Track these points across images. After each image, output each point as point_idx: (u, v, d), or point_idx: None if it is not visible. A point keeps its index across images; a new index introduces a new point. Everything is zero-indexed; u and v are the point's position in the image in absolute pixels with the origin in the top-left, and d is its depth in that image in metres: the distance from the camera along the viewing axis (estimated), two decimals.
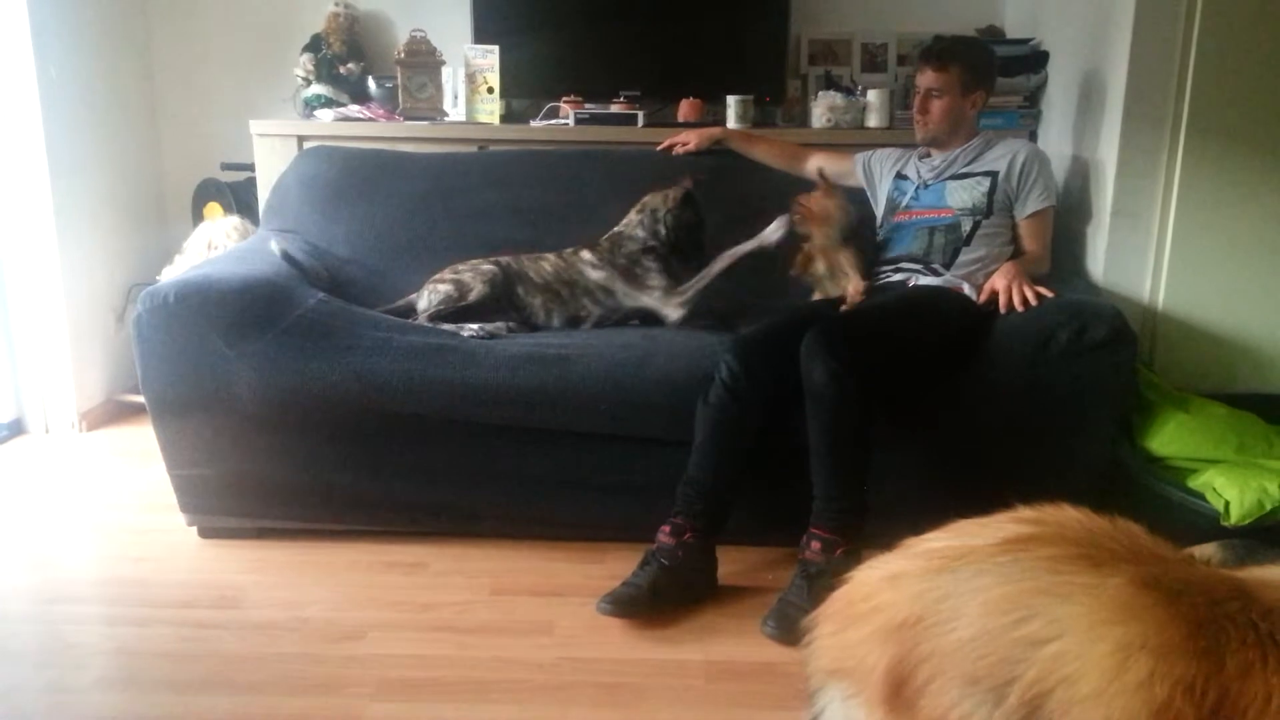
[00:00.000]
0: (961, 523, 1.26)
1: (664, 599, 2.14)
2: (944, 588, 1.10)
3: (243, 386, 2.33)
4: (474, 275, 2.65)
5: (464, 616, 2.17)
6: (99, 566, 2.42)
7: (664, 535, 2.20)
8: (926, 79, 2.63)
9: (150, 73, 3.56)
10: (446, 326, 2.54)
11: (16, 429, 3.25)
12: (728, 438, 2.23)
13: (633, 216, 2.78)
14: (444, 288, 2.64)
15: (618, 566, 2.24)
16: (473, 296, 2.61)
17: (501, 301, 2.65)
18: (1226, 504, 2.11)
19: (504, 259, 2.73)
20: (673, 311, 2.66)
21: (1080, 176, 2.80)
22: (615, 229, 2.79)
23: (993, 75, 2.70)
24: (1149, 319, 2.61)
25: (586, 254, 2.74)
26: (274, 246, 2.66)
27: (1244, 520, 2.07)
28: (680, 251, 2.74)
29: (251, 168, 3.27)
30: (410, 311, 2.67)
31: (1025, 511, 1.25)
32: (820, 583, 2.10)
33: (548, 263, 2.74)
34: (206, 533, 2.50)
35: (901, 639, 1.08)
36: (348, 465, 2.42)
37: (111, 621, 2.18)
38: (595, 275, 2.72)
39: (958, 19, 3.32)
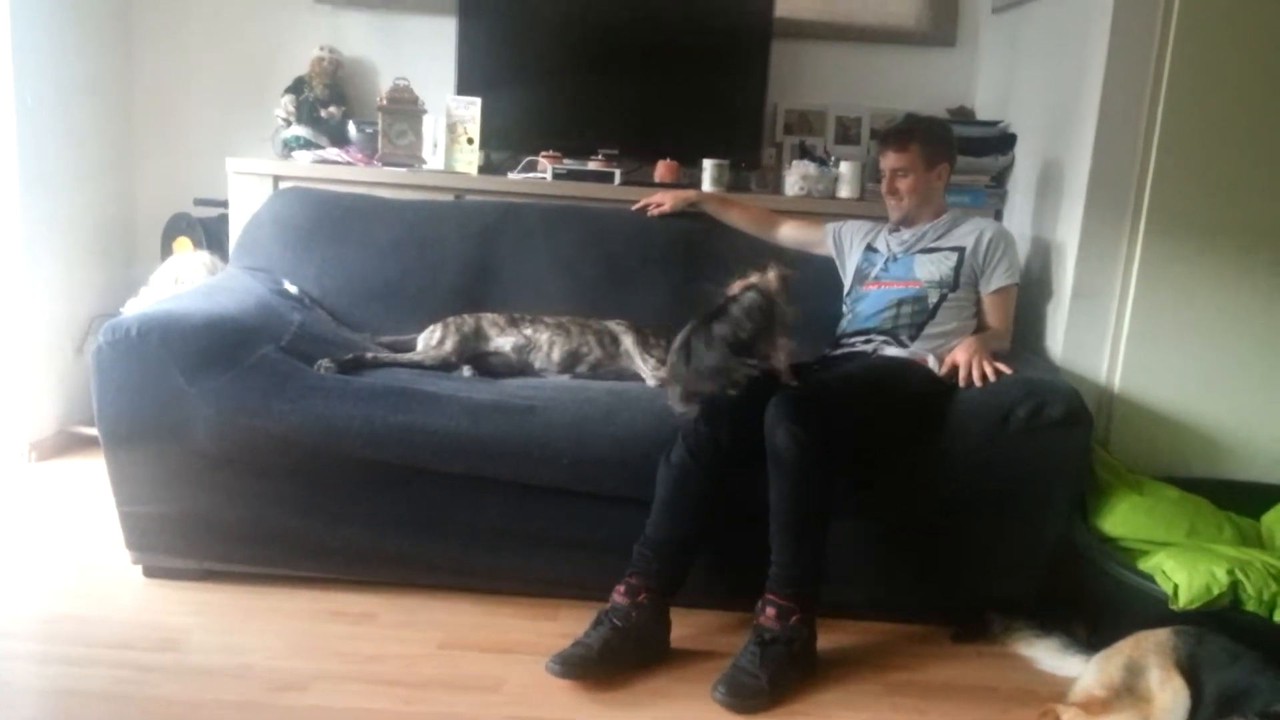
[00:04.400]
0: None
1: (615, 660, 2.11)
2: None
3: (199, 424, 2.30)
4: (451, 330, 2.75)
5: (411, 670, 2.13)
6: (38, 602, 2.36)
7: (618, 595, 2.18)
8: (889, 161, 2.69)
9: (130, 104, 3.56)
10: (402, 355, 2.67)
11: None
12: (687, 498, 2.23)
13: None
14: (437, 333, 2.75)
15: (570, 625, 2.22)
16: (448, 346, 2.70)
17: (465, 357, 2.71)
18: (1176, 587, 2.13)
19: (517, 312, 2.85)
20: (652, 379, 2.72)
21: (1042, 257, 2.87)
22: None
23: (952, 147, 2.76)
24: (1105, 400, 2.66)
25: (616, 319, 2.86)
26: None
27: (1192, 604, 2.09)
28: None
29: (225, 204, 3.26)
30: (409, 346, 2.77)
31: None
32: (773, 650, 2.10)
33: (566, 315, 2.84)
34: (152, 572, 2.45)
35: None
36: (301, 510, 2.38)
37: (47, 660, 2.11)
38: (614, 325, 2.82)
39: (929, 98, 3.41)
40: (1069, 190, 2.73)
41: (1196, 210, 2.59)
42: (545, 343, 2.77)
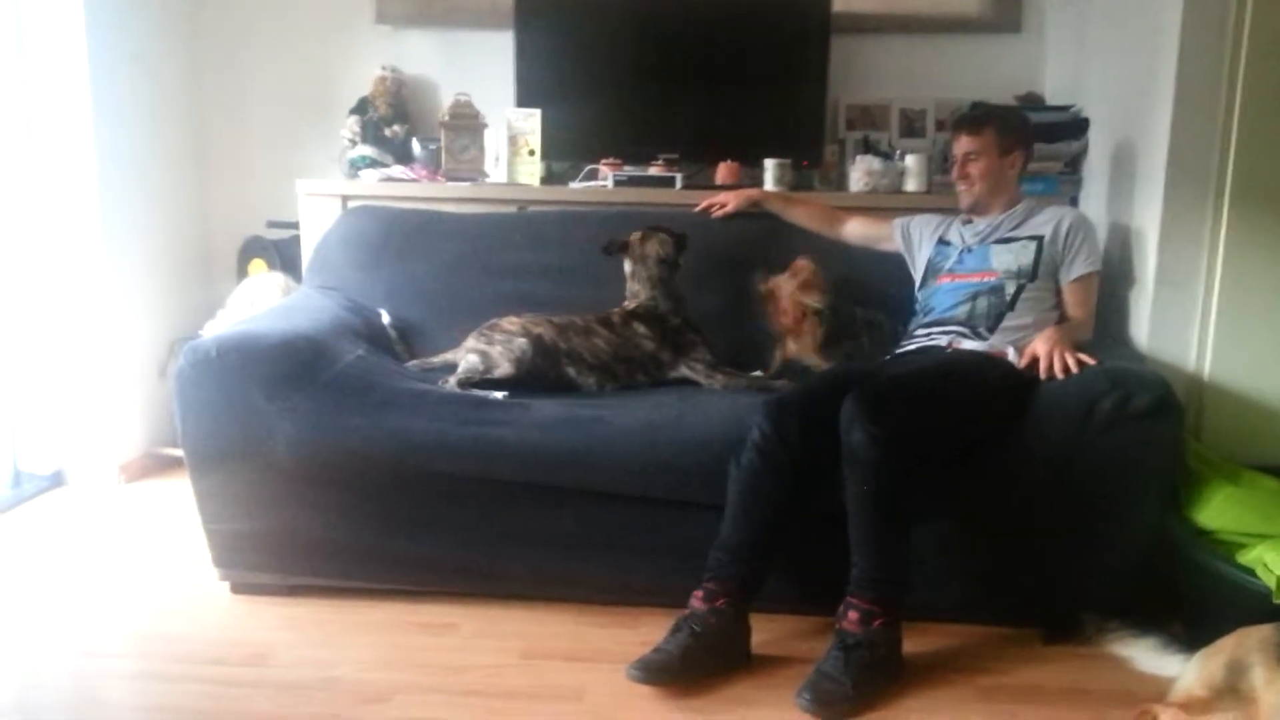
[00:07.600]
0: None
1: (696, 667, 2.09)
2: None
3: (280, 441, 2.34)
4: (504, 351, 2.61)
5: (494, 680, 2.14)
6: (132, 620, 2.42)
7: (697, 600, 2.16)
8: (963, 145, 2.64)
9: (200, 130, 3.66)
10: (476, 393, 2.55)
11: (57, 480, 3.28)
12: (759, 501, 2.20)
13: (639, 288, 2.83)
14: (472, 359, 2.62)
15: (651, 632, 2.20)
16: (497, 374, 2.59)
17: (530, 376, 2.60)
18: (1277, 580, 2.04)
19: (548, 333, 2.67)
20: (715, 384, 2.71)
21: (1122, 243, 2.78)
22: (640, 302, 2.81)
23: (1029, 137, 2.69)
24: (1195, 388, 2.56)
25: (641, 327, 2.76)
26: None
27: None
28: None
29: (297, 226, 3.33)
30: (445, 368, 2.70)
31: None
32: (857, 654, 2.06)
33: (601, 339, 2.72)
34: (239, 588, 2.50)
35: None
36: (381, 523, 2.41)
37: (141, 676, 2.17)
38: (649, 347, 2.75)
39: (997, 86, 3.33)
40: (1147, 174, 2.64)
41: None
42: (594, 386, 2.67)
